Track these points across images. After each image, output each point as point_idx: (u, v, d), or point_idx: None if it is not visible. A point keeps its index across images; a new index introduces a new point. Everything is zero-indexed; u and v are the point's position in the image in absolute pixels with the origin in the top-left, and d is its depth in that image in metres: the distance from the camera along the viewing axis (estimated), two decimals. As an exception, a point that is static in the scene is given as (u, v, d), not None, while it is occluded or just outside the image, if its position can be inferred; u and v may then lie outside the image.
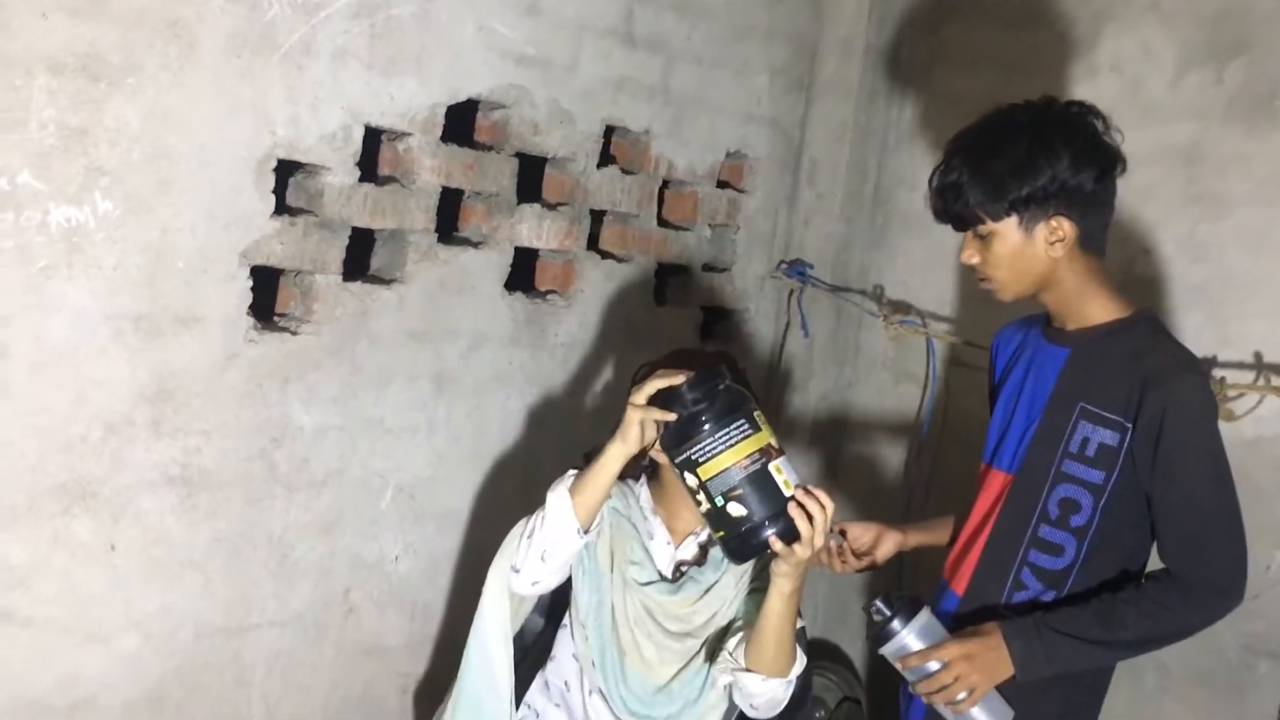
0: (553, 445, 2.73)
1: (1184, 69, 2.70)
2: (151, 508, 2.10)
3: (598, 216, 2.84)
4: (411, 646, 2.57)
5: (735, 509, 1.80)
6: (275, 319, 2.29)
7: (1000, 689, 1.88)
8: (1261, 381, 2.50)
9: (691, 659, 2.17)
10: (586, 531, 1.98)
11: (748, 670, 2.07)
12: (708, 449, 1.80)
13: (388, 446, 2.44)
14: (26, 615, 1.97)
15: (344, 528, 2.40)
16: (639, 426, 1.88)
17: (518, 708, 2.26)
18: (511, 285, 2.64)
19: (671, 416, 1.84)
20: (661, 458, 1.96)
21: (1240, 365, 2.60)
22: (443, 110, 2.40)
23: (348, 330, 2.32)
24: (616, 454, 1.91)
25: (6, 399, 1.89)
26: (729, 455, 1.80)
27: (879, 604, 1.92)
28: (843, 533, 2.21)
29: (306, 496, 2.32)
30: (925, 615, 1.91)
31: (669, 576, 2.18)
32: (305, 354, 2.26)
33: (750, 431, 1.82)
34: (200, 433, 2.14)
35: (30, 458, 1.93)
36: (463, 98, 2.43)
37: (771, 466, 1.82)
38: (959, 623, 2.03)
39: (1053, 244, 1.83)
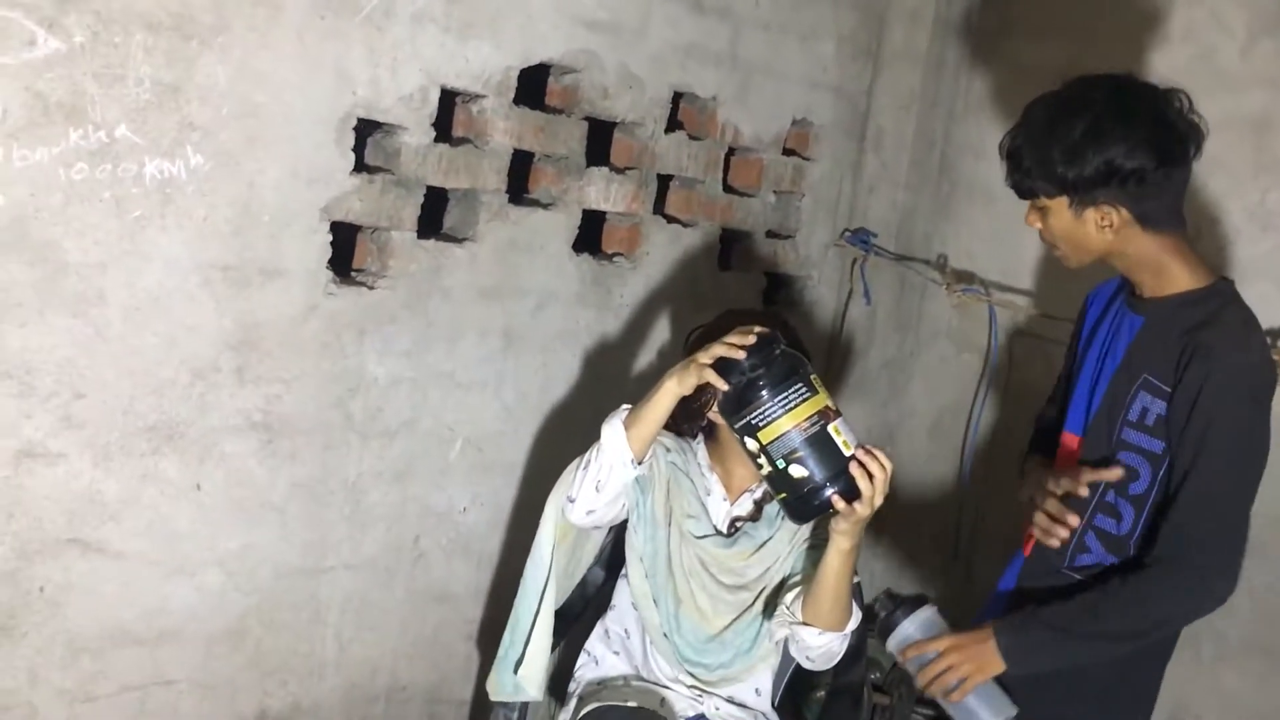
0: (616, 403, 2.78)
1: (1255, 37, 2.69)
2: (235, 450, 2.19)
3: (664, 181, 2.89)
4: (477, 594, 2.66)
5: (797, 470, 1.85)
6: (353, 274, 2.37)
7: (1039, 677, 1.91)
8: (1327, 350, 2.48)
9: (745, 611, 2.23)
10: (640, 462, 2.04)
11: (805, 624, 2.13)
12: (767, 413, 1.86)
13: (458, 399, 2.52)
14: (118, 548, 2.08)
15: (415, 477, 2.49)
16: (697, 377, 1.93)
17: (578, 655, 2.35)
18: (579, 246, 2.70)
19: (724, 386, 1.89)
20: (721, 420, 2.02)
21: (1308, 335, 2.60)
22: (516, 73, 2.46)
23: (421, 286, 2.40)
24: (670, 391, 1.98)
25: (103, 341, 1.99)
26: (788, 419, 1.85)
27: (883, 598, 1.99)
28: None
29: (380, 445, 2.41)
30: (928, 611, 1.96)
31: (724, 531, 2.24)
32: (381, 308, 2.35)
33: (808, 395, 1.88)
34: (281, 381, 2.23)
35: (123, 399, 2.04)
36: (535, 61, 2.49)
37: (830, 428, 1.88)
38: (1020, 583, 2.06)
39: (1103, 228, 1.82)
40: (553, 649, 2.29)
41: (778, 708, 2.36)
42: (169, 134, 1.99)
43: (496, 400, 2.60)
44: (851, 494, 1.88)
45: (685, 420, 2.26)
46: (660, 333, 2.88)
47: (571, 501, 2.08)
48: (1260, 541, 2.56)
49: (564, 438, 2.73)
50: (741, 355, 1.88)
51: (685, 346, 2.32)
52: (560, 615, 2.33)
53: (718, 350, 1.92)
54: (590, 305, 2.73)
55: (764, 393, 1.86)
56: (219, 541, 2.21)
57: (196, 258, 2.06)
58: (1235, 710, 2.74)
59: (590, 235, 2.79)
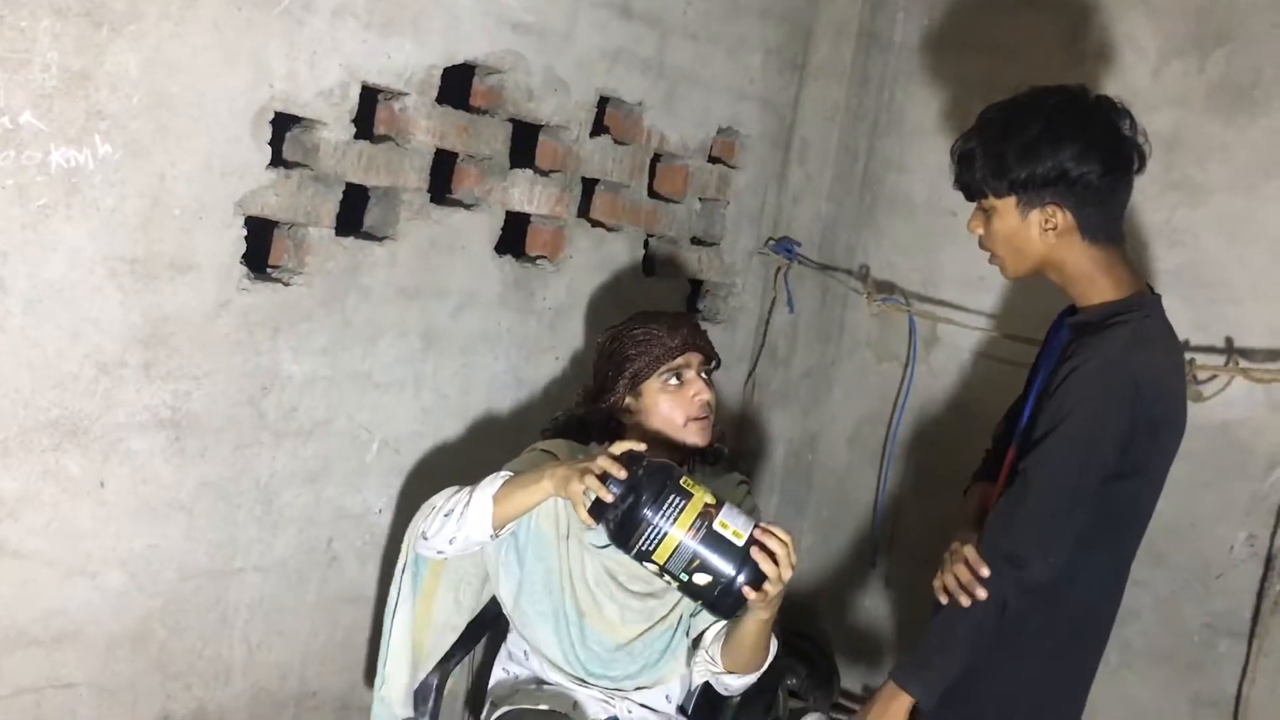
0: (538, 408, 2.78)
1: (1167, 58, 2.76)
2: (141, 448, 2.14)
3: (589, 185, 2.89)
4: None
5: (701, 578, 1.87)
6: (268, 270, 2.33)
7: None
8: (1230, 365, 2.55)
9: (657, 622, 2.23)
10: (496, 536, 2.08)
11: (728, 672, 2.16)
12: (653, 536, 1.86)
13: (375, 400, 2.49)
14: (15, 547, 2.02)
15: (329, 478, 2.45)
16: (574, 500, 1.92)
17: (489, 673, 2.35)
18: (502, 248, 2.69)
19: (593, 524, 1.91)
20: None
21: (1212, 349, 2.67)
22: (439, 72, 2.44)
23: (339, 284, 2.37)
24: (546, 490, 2.00)
25: (2, 333, 1.93)
26: (674, 534, 1.86)
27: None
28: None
29: (294, 445, 2.37)
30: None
31: None
32: (296, 305, 2.31)
33: (684, 502, 1.88)
34: (191, 377, 2.18)
35: (24, 392, 1.98)
36: (459, 60, 2.47)
37: (716, 524, 1.88)
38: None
39: (1046, 231, 1.85)
40: (457, 662, 2.29)
41: (694, 712, 2.37)
42: (76, 122, 1.94)
43: (415, 401, 2.57)
44: (759, 580, 1.88)
45: (593, 427, 2.27)
46: (582, 337, 2.87)
47: (425, 539, 2.12)
48: (1159, 551, 2.65)
49: (483, 440, 2.72)
50: (610, 498, 1.86)
51: (597, 349, 2.32)
52: (469, 632, 2.34)
53: (591, 483, 1.87)
54: (512, 308, 2.72)
55: (644, 515, 1.86)
56: (123, 541, 2.16)
57: (103, 249, 2.01)
58: (1141, 717, 2.79)
59: (514, 237, 2.77)
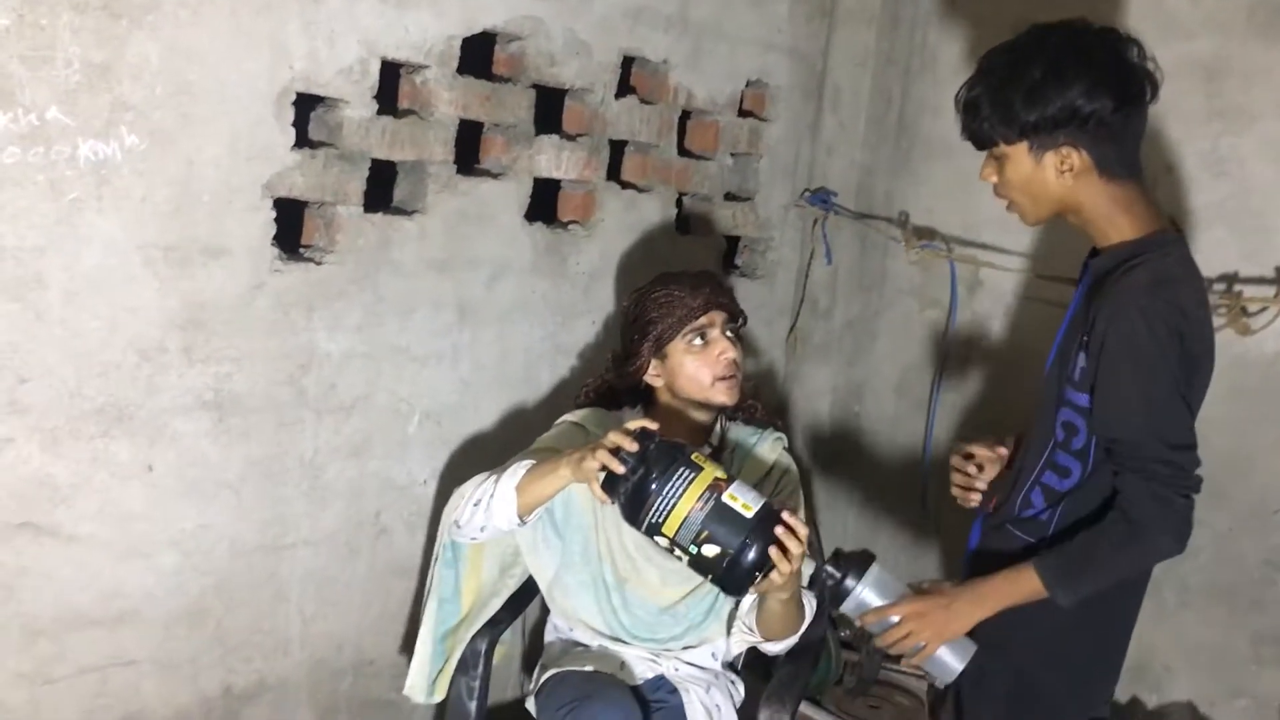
0: (576, 372, 2.80)
1: (1205, -19, 2.67)
2: (186, 430, 2.19)
3: (619, 147, 2.88)
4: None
5: (709, 550, 1.87)
6: (301, 250, 2.36)
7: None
8: (1277, 295, 2.48)
9: (699, 584, 2.24)
10: (524, 523, 2.09)
11: (764, 639, 2.19)
12: (661, 508, 1.87)
13: (413, 373, 2.52)
14: (70, 532, 2.08)
15: (373, 451, 2.49)
16: (589, 481, 1.93)
17: (531, 642, 2.40)
18: (533, 216, 2.69)
19: (608, 500, 1.92)
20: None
21: (1261, 280, 2.59)
22: (458, 43, 2.44)
23: (370, 260, 2.39)
24: (565, 478, 2.00)
25: (44, 325, 1.98)
26: (683, 505, 1.87)
27: (828, 568, 1.96)
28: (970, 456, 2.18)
29: (335, 421, 2.41)
30: (876, 571, 1.94)
31: None
32: (329, 283, 2.34)
33: (693, 475, 1.89)
34: (230, 359, 2.22)
35: (69, 382, 2.03)
36: (478, 29, 2.47)
37: (725, 497, 1.88)
38: (982, 541, 2.07)
39: (1062, 173, 1.80)
40: (505, 626, 2.34)
41: (748, 665, 2.39)
42: (101, 115, 1.97)
43: (453, 373, 2.60)
44: (766, 550, 1.87)
45: (624, 393, 2.28)
46: (617, 300, 2.87)
47: (459, 527, 2.14)
48: (1218, 485, 2.58)
49: (525, 407, 2.74)
50: (621, 469, 1.87)
51: (622, 314, 2.33)
52: (517, 596, 2.39)
53: (603, 459, 1.89)
54: (545, 274, 2.72)
55: (652, 489, 1.87)
56: (174, 522, 2.21)
57: (136, 238, 2.05)
58: (1201, 657, 2.75)
59: (545, 204, 2.78)
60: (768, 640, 2.19)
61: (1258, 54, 2.59)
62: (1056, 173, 1.81)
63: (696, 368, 2.23)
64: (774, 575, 1.88)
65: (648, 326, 2.27)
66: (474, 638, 2.31)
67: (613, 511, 2.21)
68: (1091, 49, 1.79)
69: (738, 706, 2.32)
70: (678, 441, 1.95)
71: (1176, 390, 1.74)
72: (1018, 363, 3.00)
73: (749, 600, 2.19)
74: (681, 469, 1.88)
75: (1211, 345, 1.83)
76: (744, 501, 1.87)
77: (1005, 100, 1.80)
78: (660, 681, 2.27)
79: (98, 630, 2.16)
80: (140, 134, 2.02)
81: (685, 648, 2.30)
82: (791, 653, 2.32)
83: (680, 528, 1.86)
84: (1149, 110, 1.83)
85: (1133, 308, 1.73)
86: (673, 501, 1.86)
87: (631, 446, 1.88)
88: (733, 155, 3.12)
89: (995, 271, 3.03)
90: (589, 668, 2.23)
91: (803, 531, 1.89)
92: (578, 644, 2.33)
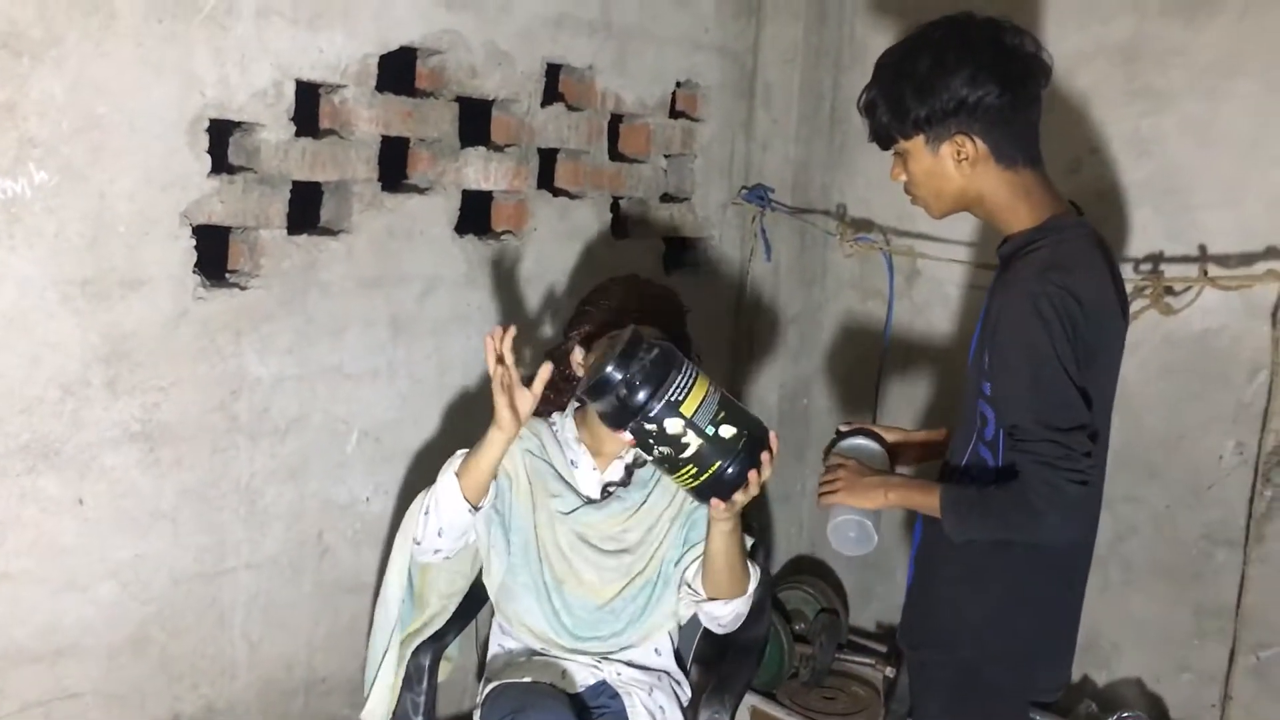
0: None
1: (1119, -36, 2.69)
2: (116, 463, 2.20)
3: (549, 155, 2.89)
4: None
5: (727, 430, 1.87)
6: (227, 275, 2.36)
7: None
8: (1199, 273, 2.50)
9: (635, 576, 2.26)
10: (478, 508, 2.10)
11: (709, 599, 2.18)
12: (682, 385, 1.86)
13: (348, 392, 2.53)
14: (3, 568, 2.08)
15: (311, 472, 2.50)
16: (506, 409, 2.00)
17: (487, 650, 2.40)
18: (465, 228, 2.70)
19: (546, 374, 1.97)
20: (622, 434, 1.94)
21: (1186, 259, 2.62)
22: (375, 60, 2.44)
23: (297, 282, 2.40)
24: (495, 440, 2.04)
25: (-39, 366, 1.99)
26: (699, 386, 1.88)
27: (840, 427, 2.18)
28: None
29: (270, 444, 2.42)
30: (858, 438, 2.12)
31: (596, 499, 2.26)
32: (256, 307, 2.34)
33: (699, 370, 1.92)
34: (157, 389, 2.23)
35: (-9, 420, 2.04)
36: (394, 47, 2.47)
37: (726, 392, 1.93)
38: (924, 530, 2.09)
39: (960, 162, 1.83)
40: (450, 639, 2.34)
41: (696, 662, 2.41)
42: (8, 152, 1.97)
43: (390, 388, 2.60)
44: (766, 436, 1.93)
45: (555, 395, 2.29)
46: (558, 306, 2.88)
47: (418, 544, 2.14)
48: (1152, 465, 2.63)
49: (468, 418, 2.74)
50: (539, 388, 1.96)
51: (569, 320, 2.34)
52: (463, 609, 2.38)
53: (538, 386, 1.99)
54: (480, 286, 2.73)
55: (671, 370, 1.87)
56: (109, 553, 2.22)
57: (51, 274, 2.05)
58: (1147, 633, 2.78)
59: (480, 215, 2.79)
60: (714, 597, 2.19)
61: (1173, 34, 2.61)
62: (954, 162, 1.83)
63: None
64: (738, 496, 1.93)
65: (580, 320, 2.30)
66: (416, 652, 2.32)
67: (545, 513, 2.22)
68: (973, 38, 1.81)
69: (684, 705, 2.33)
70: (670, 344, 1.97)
71: (1063, 372, 1.74)
72: (958, 350, 3.02)
73: (694, 567, 2.21)
74: (687, 363, 1.91)
75: (1114, 328, 1.84)
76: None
77: (897, 97, 1.83)
78: (602, 687, 2.29)
79: (38, 666, 2.16)
80: (50, 170, 2.02)
81: (627, 647, 2.31)
82: (735, 650, 2.33)
83: (700, 406, 1.85)
84: (1064, 92, 1.85)
85: (1021, 293, 1.75)
86: (690, 382, 1.87)
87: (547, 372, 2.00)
88: (667, 156, 3.14)
89: (933, 261, 3.04)
90: (528, 678, 2.24)
91: (775, 449, 1.95)
92: (521, 655, 2.35)
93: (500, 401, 2.01)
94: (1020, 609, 1.96)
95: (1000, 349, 1.79)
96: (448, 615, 2.37)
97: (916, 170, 1.88)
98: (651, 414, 1.85)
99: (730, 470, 1.89)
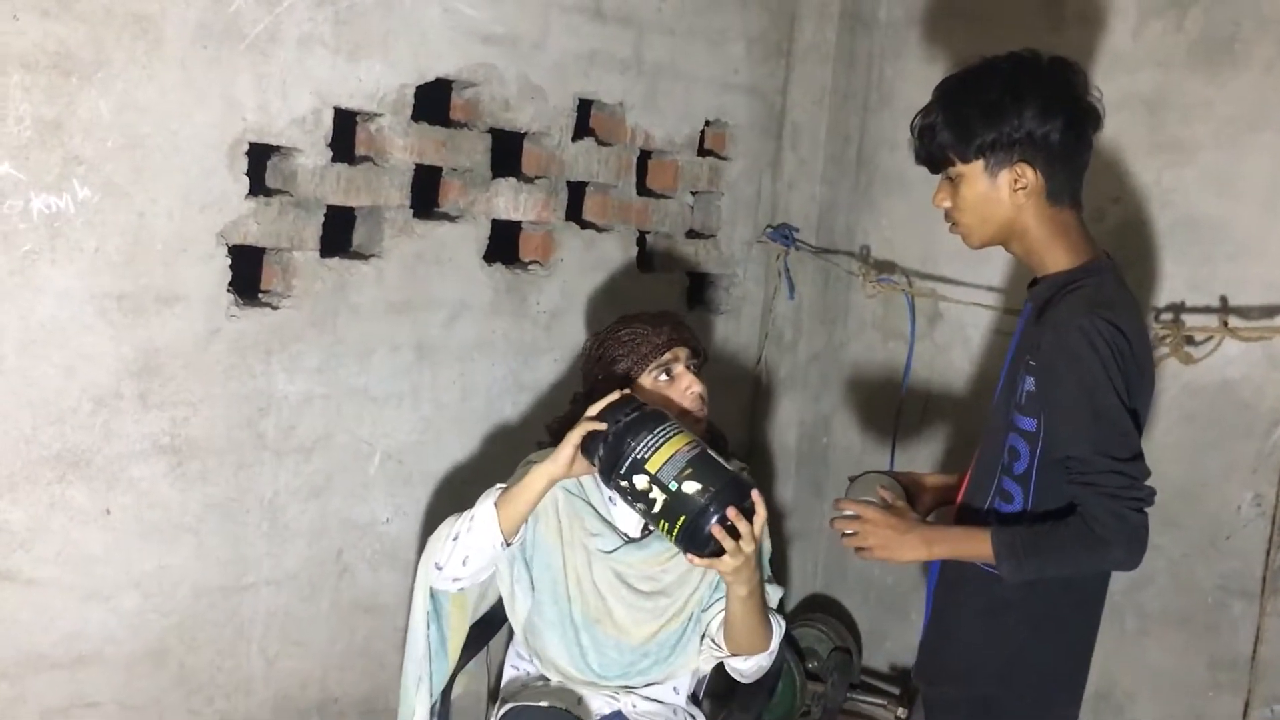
0: (540, 408, 2.84)
1: (1146, 18, 2.73)
2: (144, 475, 2.24)
3: (578, 188, 2.94)
4: (407, 603, 2.69)
5: (690, 486, 1.91)
6: (260, 295, 2.41)
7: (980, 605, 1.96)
8: (1219, 324, 2.52)
9: (670, 620, 2.27)
10: (509, 544, 2.11)
11: (731, 655, 2.20)
12: (650, 444, 1.95)
13: (373, 414, 2.57)
14: (29, 575, 2.12)
15: (334, 491, 2.53)
16: (571, 454, 2.03)
17: (500, 674, 2.40)
18: (493, 257, 2.74)
19: (602, 426, 1.99)
20: (609, 488, 2.05)
21: (1207, 309, 2.63)
22: (411, 91, 2.50)
23: (328, 303, 2.45)
24: (544, 474, 2.06)
25: (-1, 374, 2.04)
26: (670, 445, 1.95)
27: (850, 476, 2.21)
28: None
29: (295, 462, 2.45)
30: (870, 475, 2.15)
31: (636, 537, 2.28)
32: (286, 327, 2.39)
33: (680, 429, 1.99)
34: (187, 404, 2.27)
35: (25, 429, 2.08)
36: (431, 78, 2.53)
37: (709, 451, 1.97)
38: (940, 572, 2.10)
39: (1015, 190, 1.86)
40: (474, 655, 2.35)
41: (709, 695, 2.41)
42: (53, 169, 2.04)
43: (414, 412, 2.64)
44: (748, 493, 1.94)
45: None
46: (580, 337, 2.91)
47: (439, 569, 2.14)
48: (1170, 514, 2.63)
49: (488, 444, 2.78)
50: (603, 427, 1.99)
51: (584, 356, 2.35)
52: (485, 621, 2.39)
53: (585, 428, 2.01)
54: (506, 314, 2.77)
55: (643, 431, 1.96)
56: (133, 564, 2.26)
57: (89, 288, 2.11)
58: (1161, 683, 2.77)
59: (507, 245, 2.83)
60: (735, 655, 2.21)
61: (1197, 87, 2.64)
62: (1010, 190, 1.86)
63: (664, 403, 2.25)
64: (725, 556, 1.93)
65: (613, 364, 2.28)
66: (430, 673, 2.33)
67: (583, 550, 2.24)
68: (1044, 73, 1.86)
69: (699, 738, 2.34)
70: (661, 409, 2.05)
71: (1121, 404, 1.78)
72: (978, 393, 3.04)
73: (717, 620, 2.22)
74: (669, 422, 1.99)
75: (1150, 367, 1.87)
76: (721, 460, 1.97)
77: (963, 119, 1.86)
78: (616, 717, 2.29)
79: (59, 672, 2.20)
80: (92, 187, 2.08)
81: (649, 684, 2.32)
82: (746, 684, 2.34)
83: (666, 463, 1.92)
84: (1094, 142, 1.89)
85: (1074, 329, 1.78)
86: (661, 441, 1.94)
87: (608, 408, 2.01)
88: (694, 193, 3.18)
89: (955, 304, 3.07)
90: (544, 703, 2.25)
91: (761, 514, 1.96)
92: (537, 679, 2.36)
93: (572, 444, 2.03)
94: (1045, 644, 1.97)
95: (1053, 383, 1.81)
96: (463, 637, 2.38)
97: (969, 195, 1.90)
98: (622, 471, 1.95)
99: (697, 525, 1.92)
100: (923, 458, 3.17)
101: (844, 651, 3.11)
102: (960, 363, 3.13)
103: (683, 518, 1.92)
